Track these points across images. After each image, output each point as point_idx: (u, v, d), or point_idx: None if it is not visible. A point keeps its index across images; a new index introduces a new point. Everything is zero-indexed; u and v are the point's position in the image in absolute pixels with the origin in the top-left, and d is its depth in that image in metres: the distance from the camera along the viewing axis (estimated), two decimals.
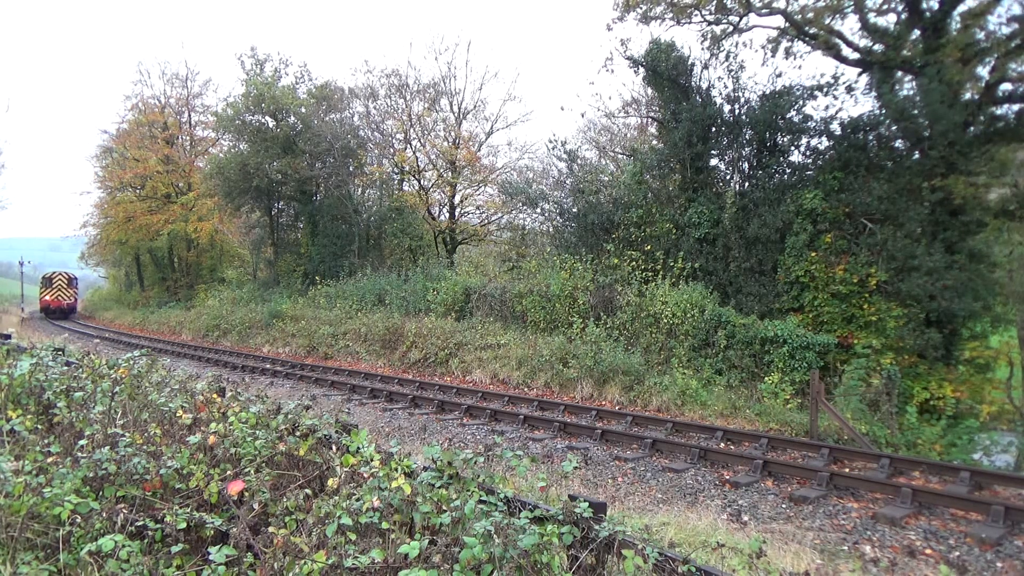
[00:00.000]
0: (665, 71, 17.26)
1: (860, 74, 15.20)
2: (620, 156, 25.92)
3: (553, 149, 21.93)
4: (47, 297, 47.32)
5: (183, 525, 3.32)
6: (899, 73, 14.22)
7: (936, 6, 13.67)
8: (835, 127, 15.35)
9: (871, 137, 14.69)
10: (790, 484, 8.65)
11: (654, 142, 21.40)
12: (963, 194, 12.65)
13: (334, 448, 4.01)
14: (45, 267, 57.60)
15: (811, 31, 15.45)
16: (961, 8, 13.47)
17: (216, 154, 37.14)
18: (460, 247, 30.93)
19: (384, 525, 3.16)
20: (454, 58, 42.79)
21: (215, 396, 5.21)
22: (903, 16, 14.33)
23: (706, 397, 13.12)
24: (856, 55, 15.05)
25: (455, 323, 19.43)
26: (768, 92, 16.21)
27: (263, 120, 30.62)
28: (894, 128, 14.26)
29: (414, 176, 30.67)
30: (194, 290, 39.96)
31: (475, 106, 30.95)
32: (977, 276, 12.82)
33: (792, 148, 16.31)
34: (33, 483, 3.39)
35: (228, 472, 3.85)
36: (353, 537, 3.09)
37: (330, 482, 3.66)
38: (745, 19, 16.64)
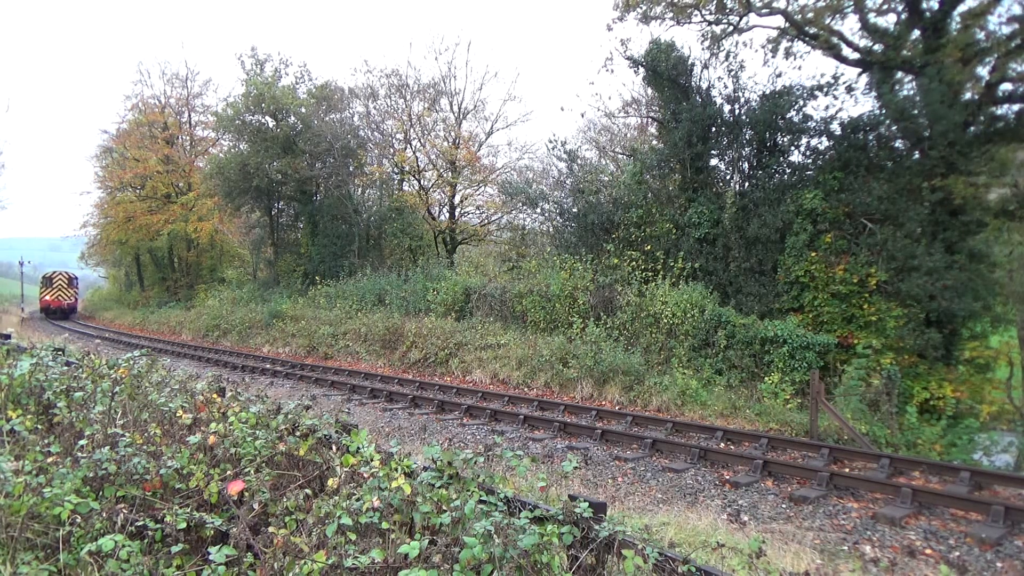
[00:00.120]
0: (665, 71, 17.25)
1: (860, 74, 15.21)
2: (620, 156, 25.92)
3: (553, 149, 21.96)
4: (47, 297, 47.17)
5: (183, 525, 3.32)
6: (899, 73, 14.21)
7: (936, 6, 13.67)
8: (835, 127, 15.36)
9: (871, 137, 14.69)
10: (790, 484, 8.65)
11: (654, 142, 21.40)
12: (963, 194, 12.65)
13: (334, 448, 4.01)
14: (45, 267, 57.58)
15: (811, 31, 15.45)
16: (961, 8, 13.48)
17: (216, 154, 37.15)
18: (460, 247, 30.93)
19: (384, 525, 3.16)
20: (454, 58, 42.79)
21: (215, 396, 5.21)
22: (903, 16, 14.33)
23: (706, 397, 13.12)
24: (856, 55, 15.05)
25: (455, 323, 19.43)
26: (768, 92, 16.22)
27: (263, 120, 30.63)
28: (894, 128, 14.26)
29: (414, 176, 30.68)
30: (194, 290, 39.96)
31: (475, 106, 30.98)
32: (977, 276, 12.82)
33: (792, 148, 16.31)
34: (33, 483, 3.39)
35: (228, 472, 3.86)
36: (353, 537, 3.09)
37: (330, 482, 3.66)
38: (745, 19, 16.64)
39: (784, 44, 16.42)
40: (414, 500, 3.27)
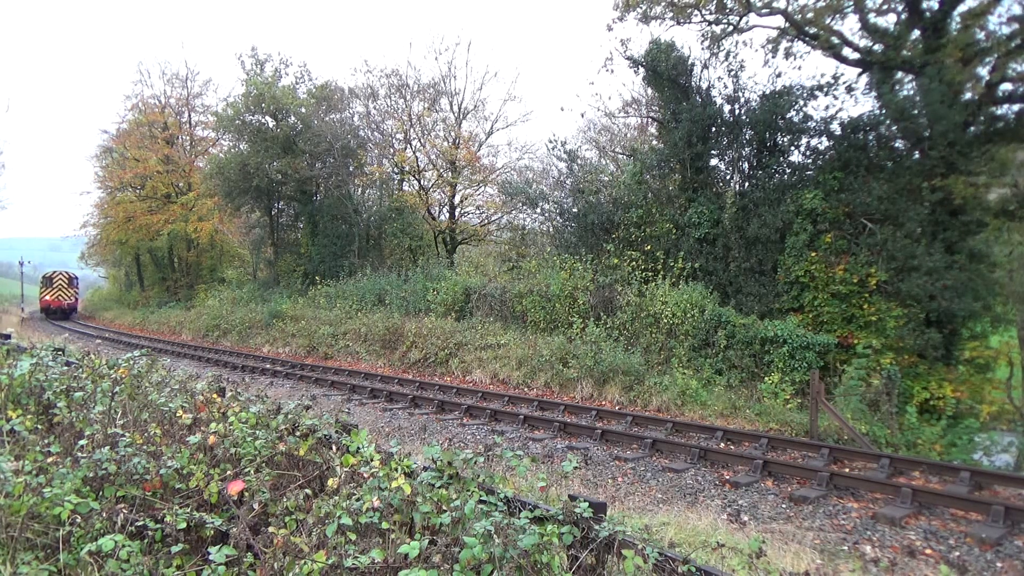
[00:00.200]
0: (665, 71, 17.25)
1: (860, 74, 15.21)
2: (620, 156, 25.93)
3: (553, 149, 21.96)
4: (47, 297, 47.06)
5: (183, 525, 3.32)
6: (899, 73, 14.21)
7: (936, 6, 13.67)
8: (835, 127, 15.36)
9: (871, 137, 14.69)
10: (790, 484, 8.65)
11: (654, 142, 21.40)
12: (963, 194, 12.65)
13: (334, 448, 4.01)
14: (45, 267, 57.55)
15: (811, 31, 15.45)
16: (961, 8, 13.48)
17: (216, 154, 37.14)
18: (460, 247, 30.93)
19: (384, 525, 3.16)
20: (454, 58, 42.78)
21: (215, 396, 5.21)
22: (903, 16, 14.33)
23: (706, 397, 13.12)
24: (856, 55, 15.05)
25: (455, 323, 19.43)
26: (768, 92, 16.22)
27: (263, 120, 30.63)
28: (894, 128, 14.26)
29: (414, 176, 30.67)
30: (194, 290, 39.96)
31: (475, 106, 30.98)
32: (977, 276, 12.82)
33: (792, 148, 16.32)
34: (33, 483, 3.39)
35: (228, 472, 3.86)
36: (353, 537, 3.09)
37: (330, 482, 3.66)
38: (745, 19, 16.64)
39: (784, 44, 16.43)
40: (414, 500, 3.27)
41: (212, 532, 3.47)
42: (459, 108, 30.59)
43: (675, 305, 15.21)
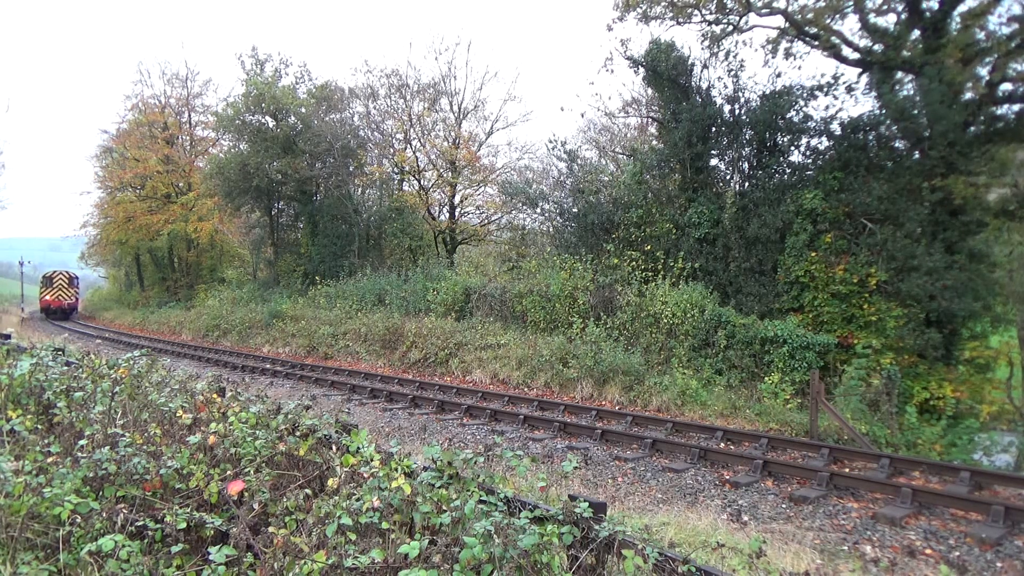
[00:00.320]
0: (665, 71, 17.25)
1: (860, 74, 15.21)
2: (620, 156, 25.93)
3: (553, 149, 21.96)
4: (47, 297, 46.96)
5: (183, 525, 3.32)
6: (899, 73, 14.21)
7: (936, 6, 13.67)
8: (835, 127, 15.36)
9: (871, 137, 14.69)
10: (790, 484, 8.65)
11: (654, 142, 21.40)
12: (963, 194, 12.65)
13: (334, 448, 4.01)
14: (45, 267, 57.50)
15: (811, 31, 15.46)
16: (961, 8, 13.48)
17: (216, 154, 37.14)
18: (460, 247, 30.93)
19: (384, 525, 3.16)
20: (454, 58, 42.78)
21: (215, 396, 5.21)
22: (903, 16, 14.33)
23: (706, 397, 13.12)
24: (856, 55, 15.05)
25: (455, 323, 19.43)
26: (768, 92, 16.22)
27: (263, 120, 30.63)
28: (894, 128, 14.26)
29: (414, 176, 30.68)
30: (194, 290, 39.97)
31: (475, 106, 30.98)
32: (977, 276, 12.82)
33: (792, 148, 16.32)
34: (33, 483, 3.39)
35: (228, 472, 3.86)
36: (353, 537, 3.09)
37: (330, 482, 3.66)
38: (745, 19, 16.65)
39: (784, 44, 16.43)
40: (414, 500, 3.27)
41: (212, 532, 3.47)
42: (459, 108, 30.61)
43: (675, 305, 15.21)
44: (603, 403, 13.96)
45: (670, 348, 15.14)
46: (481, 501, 3.26)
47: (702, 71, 17.47)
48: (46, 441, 4.39)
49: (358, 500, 3.27)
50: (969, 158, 12.81)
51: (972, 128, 13.13)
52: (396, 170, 30.78)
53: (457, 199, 31.07)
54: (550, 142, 29.78)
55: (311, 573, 2.90)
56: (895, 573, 6.12)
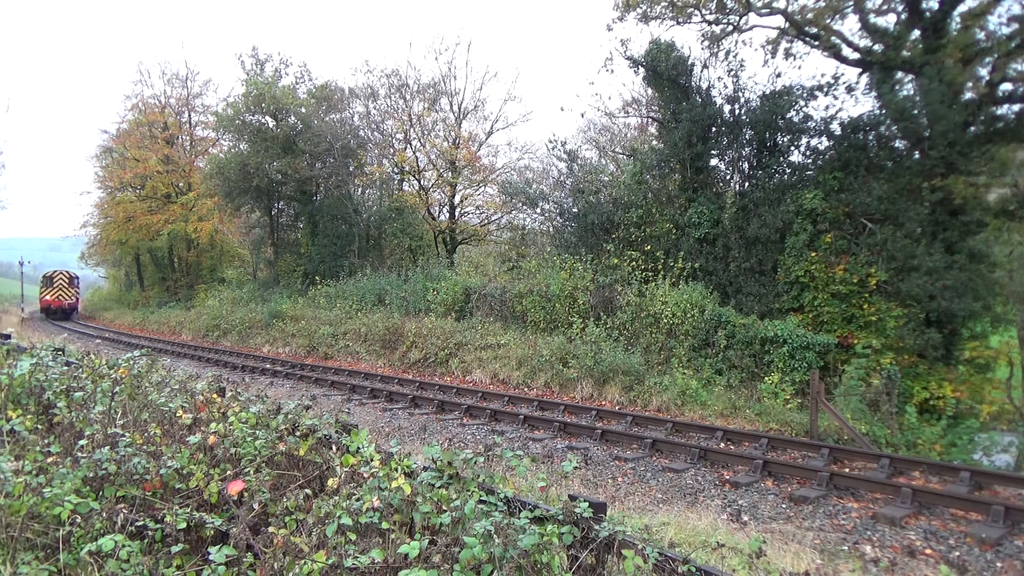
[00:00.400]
0: (665, 71, 17.25)
1: (860, 74, 15.21)
2: (620, 156, 25.93)
3: (553, 149, 21.96)
4: (48, 297, 46.91)
5: (183, 525, 3.32)
6: (899, 73, 14.21)
7: (936, 6, 13.67)
8: (835, 127, 15.36)
9: (871, 137, 14.69)
10: (790, 484, 8.65)
11: (654, 142, 21.40)
12: (963, 194, 12.65)
13: (334, 448, 4.01)
14: (45, 267, 57.49)
15: (811, 31, 15.46)
16: (961, 8, 13.48)
17: (216, 154, 37.15)
18: (460, 247, 30.93)
19: (384, 525, 3.16)
20: (454, 58, 42.76)
21: (215, 396, 5.21)
22: (903, 16, 14.33)
23: (706, 397, 13.12)
24: (856, 55, 15.05)
25: (455, 323, 19.43)
26: (768, 92, 16.22)
27: (263, 120, 30.63)
28: (894, 128, 14.26)
29: (414, 176, 30.68)
30: (194, 290, 39.97)
31: (475, 106, 30.98)
32: (977, 276, 12.82)
33: (792, 148, 16.32)
34: (33, 483, 3.39)
35: (228, 472, 3.85)
36: (353, 537, 3.09)
37: (330, 482, 3.66)
38: (745, 19, 16.65)
39: (784, 44, 16.43)
40: (414, 500, 3.27)
41: (212, 532, 3.47)
42: (459, 108, 30.61)
43: (675, 305, 15.21)
44: (603, 403, 13.96)
45: (670, 348, 15.14)
46: (481, 501, 3.26)
47: (702, 71, 17.49)
48: (46, 441, 4.39)
49: (358, 500, 3.27)
50: (969, 158, 12.81)
51: (972, 128, 13.12)
52: (396, 170, 30.78)
53: (457, 199, 31.08)
54: (550, 142, 29.81)
55: (311, 573, 2.90)
56: (895, 573, 6.12)
